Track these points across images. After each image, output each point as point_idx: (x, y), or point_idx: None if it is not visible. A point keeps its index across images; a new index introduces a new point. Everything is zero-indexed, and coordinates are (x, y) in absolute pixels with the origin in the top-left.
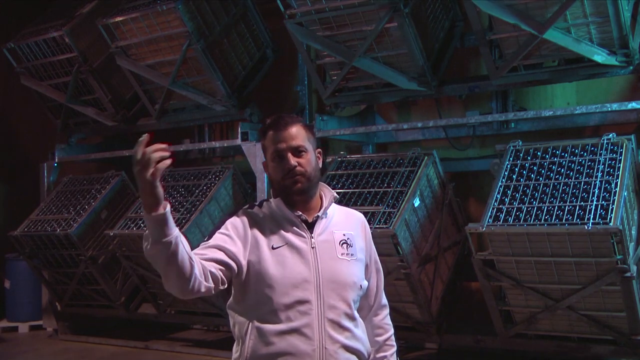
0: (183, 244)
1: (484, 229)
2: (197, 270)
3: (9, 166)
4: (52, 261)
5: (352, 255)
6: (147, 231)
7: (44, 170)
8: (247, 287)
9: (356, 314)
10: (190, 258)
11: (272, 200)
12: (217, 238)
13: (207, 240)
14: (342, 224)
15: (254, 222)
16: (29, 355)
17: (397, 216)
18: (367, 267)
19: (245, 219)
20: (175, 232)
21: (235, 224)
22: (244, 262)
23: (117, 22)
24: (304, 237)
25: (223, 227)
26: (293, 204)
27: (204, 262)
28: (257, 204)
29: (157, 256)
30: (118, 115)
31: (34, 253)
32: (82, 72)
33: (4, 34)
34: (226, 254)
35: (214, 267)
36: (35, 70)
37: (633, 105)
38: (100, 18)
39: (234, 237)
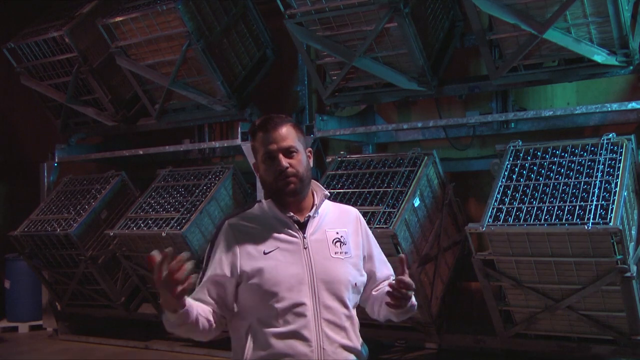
0: (200, 315)
1: (484, 229)
2: (215, 326)
3: (9, 166)
4: (52, 261)
5: (346, 253)
6: (165, 313)
7: (44, 170)
8: (243, 293)
9: (353, 313)
10: (209, 321)
11: (263, 201)
12: (212, 276)
13: (204, 268)
14: (335, 221)
15: (243, 232)
16: (29, 355)
17: (397, 216)
18: (368, 260)
19: (231, 234)
20: (194, 313)
21: (221, 245)
22: (237, 278)
23: (117, 22)
24: (296, 237)
25: (212, 255)
26: (285, 204)
27: (214, 311)
28: (247, 206)
29: (178, 330)
30: (118, 115)
31: (34, 253)
32: (82, 72)
33: (4, 34)
34: (223, 287)
35: (220, 311)
36: (35, 70)
37: (633, 105)
38: (100, 18)
39: (224, 263)
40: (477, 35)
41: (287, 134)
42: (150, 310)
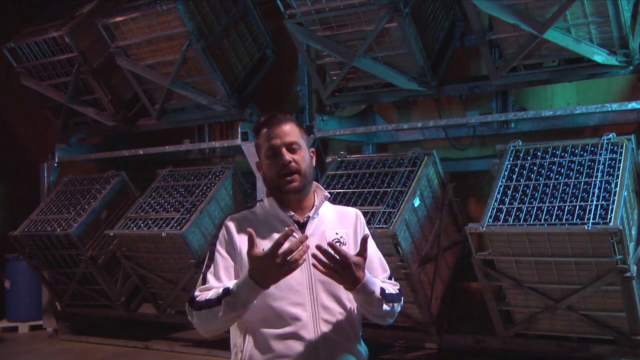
0: None
1: (484, 229)
2: None
3: (9, 166)
4: (52, 261)
5: None
6: (230, 299)
7: (44, 170)
8: None
9: (351, 313)
10: None
11: (265, 200)
12: (219, 271)
13: (207, 265)
14: (335, 223)
15: (243, 230)
16: (29, 355)
17: (397, 216)
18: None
19: (233, 231)
20: None
21: (223, 242)
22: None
23: (117, 22)
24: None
25: (215, 251)
26: (286, 203)
27: None
28: (249, 205)
29: (230, 318)
30: (118, 115)
31: (34, 253)
32: (82, 72)
33: (4, 34)
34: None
35: None
36: (35, 70)
37: (633, 105)
38: (100, 18)
39: (226, 260)
40: (477, 35)
41: (291, 130)
42: (150, 310)
